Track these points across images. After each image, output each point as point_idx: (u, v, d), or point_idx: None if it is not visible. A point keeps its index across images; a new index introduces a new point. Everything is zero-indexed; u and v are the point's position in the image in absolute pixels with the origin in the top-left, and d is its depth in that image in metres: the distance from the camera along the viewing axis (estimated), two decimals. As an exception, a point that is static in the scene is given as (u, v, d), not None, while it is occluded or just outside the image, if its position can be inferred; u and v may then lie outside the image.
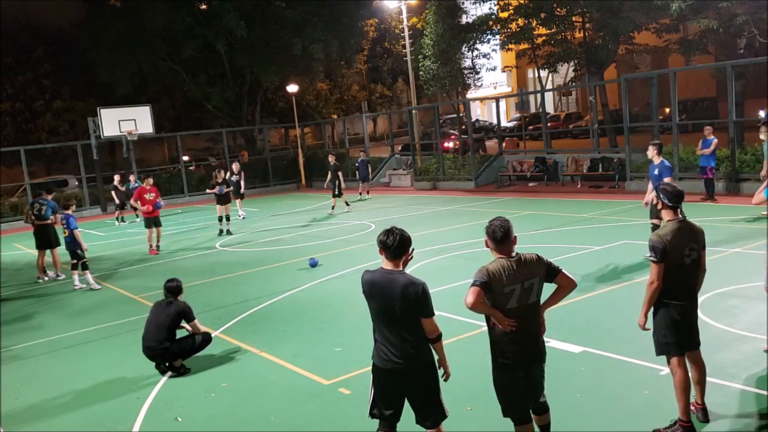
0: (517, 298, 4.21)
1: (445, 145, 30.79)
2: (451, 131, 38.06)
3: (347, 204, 20.78)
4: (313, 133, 55.02)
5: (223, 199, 17.83)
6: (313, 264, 12.60)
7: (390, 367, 4.32)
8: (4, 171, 35.69)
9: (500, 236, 4.28)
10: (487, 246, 4.37)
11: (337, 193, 20.60)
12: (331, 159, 21.49)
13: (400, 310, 4.23)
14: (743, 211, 14.21)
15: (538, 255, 4.37)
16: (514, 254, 4.29)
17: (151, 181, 16.31)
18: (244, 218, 21.34)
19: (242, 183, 21.86)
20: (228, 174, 21.53)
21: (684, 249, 4.85)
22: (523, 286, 4.22)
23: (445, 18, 31.89)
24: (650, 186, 10.33)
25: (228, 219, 18.08)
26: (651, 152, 10.40)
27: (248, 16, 32.53)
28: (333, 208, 20.71)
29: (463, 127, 29.38)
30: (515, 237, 4.33)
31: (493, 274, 4.18)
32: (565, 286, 4.37)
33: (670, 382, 5.07)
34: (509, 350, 4.29)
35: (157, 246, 16.02)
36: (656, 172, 10.24)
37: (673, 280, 4.84)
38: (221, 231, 17.92)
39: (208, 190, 19.93)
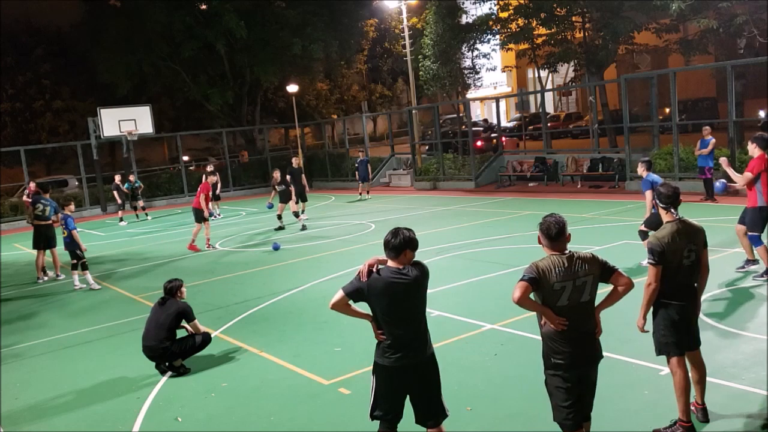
0: (569, 295, 4.10)
1: (478, 144, 30.72)
2: (481, 129, 38.26)
3: (296, 215, 18.08)
4: (313, 133, 55.02)
5: (284, 198, 17.65)
6: (276, 248, 14.45)
7: (398, 364, 4.31)
8: (4, 171, 35.68)
9: (555, 233, 4.14)
10: (540, 243, 4.27)
11: (300, 199, 19.00)
12: (295, 162, 19.45)
13: (418, 304, 4.35)
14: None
15: (593, 254, 4.26)
16: (566, 251, 4.18)
17: (215, 178, 16.04)
18: (217, 217, 21.49)
19: (218, 185, 22.04)
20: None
21: (683, 251, 4.84)
22: (575, 284, 4.10)
23: (445, 18, 31.91)
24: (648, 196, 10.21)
25: (297, 215, 17.67)
26: (640, 170, 10.30)
27: (248, 16, 32.52)
28: (303, 212, 19.21)
29: (464, 127, 29.39)
30: (569, 234, 4.23)
31: (543, 270, 4.08)
32: (622, 285, 4.26)
33: (670, 382, 5.07)
34: (562, 351, 4.16)
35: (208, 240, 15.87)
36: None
37: (672, 281, 4.84)
38: (281, 227, 17.65)
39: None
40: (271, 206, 18.80)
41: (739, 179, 8.75)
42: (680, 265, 4.84)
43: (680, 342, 4.93)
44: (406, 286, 4.26)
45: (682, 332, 4.93)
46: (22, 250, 18.51)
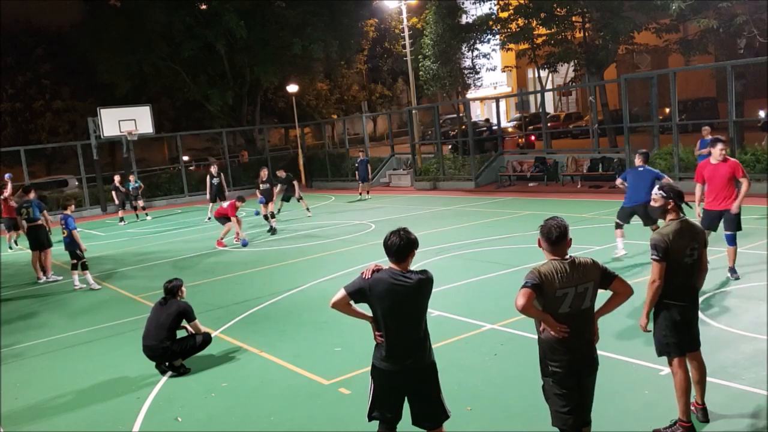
0: (570, 302, 4.01)
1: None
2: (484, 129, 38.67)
3: (273, 216, 18.25)
4: (313, 133, 55.01)
5: (266, 196, 18.11)
6: (245, 244, 15.30)
7: (395, 368, 4.31)
8: (4, 171, 35.65)
9: (555, 237, 4.04)
10: (540, 246, 4.16)
11: (296, 197, 20.22)
12: (281, 173, 20.17)
13: (419, 309, 4.31)
14: (743, 211, 14.19)
15: (593, 259, 4.19)
16: (567, 256, 4.09)
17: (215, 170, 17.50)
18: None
19: (223, 185, 22.04)
20: (208, 177, 21.80)
21: (686, 249, 4.83)
22: (576, 290, 4.01)
23: (445, 18, 31.90)
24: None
25: (273, 216, 18.09)
26: (638, 161, 10.73)
27: (248, 16, 32.53)
28: (308, 209, 20.53)
29: (464, 127, 29.39)
30: (570, 239, 4.13)
31: (545, 276, 3.97)
32: (621, 293, 4.20)
33: (670, 382, 5.07)
34: (560, 358, 4.08)
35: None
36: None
37: (674, 281, 4.83)
38: (272, 229, 17.74)
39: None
40: (258, 213, 18.95)
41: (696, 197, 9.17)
42: (682, 264, 4.83)
43: (681, 342, 4.92)
44: (407, 289, 4.23)
45: (684, 333, 4.93)
46: (22, 250, 18.49)
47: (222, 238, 15.89)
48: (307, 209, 20.31)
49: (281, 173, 20.32)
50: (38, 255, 13.72)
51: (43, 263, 13.73)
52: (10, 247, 17.64)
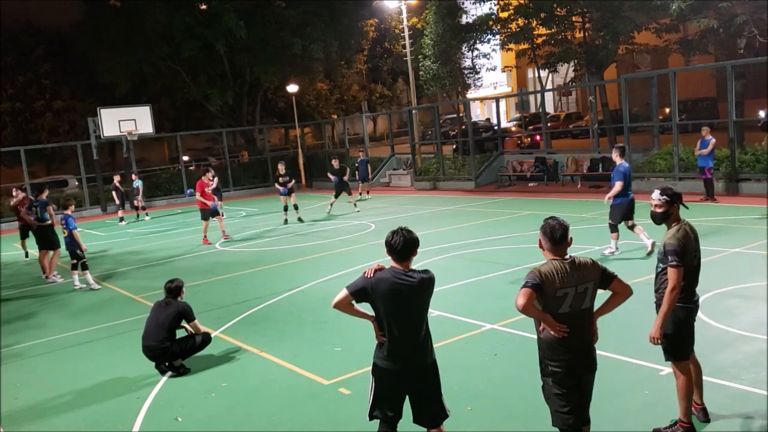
0: (570, 302, 4.01)
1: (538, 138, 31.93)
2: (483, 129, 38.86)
3: (286, 210, 19.51)
4: (313, 133, 55.02)
5: (287, 190, 19.13)
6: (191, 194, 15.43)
7: (397, 368, 4.31)
8: (4, 171, 35.68)
9: (559, 235, 4.03)
10: (541, 246, 4.14)
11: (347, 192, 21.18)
12: (336, 163, 21.22)
13: (421, 308, 4.32)
14: (743, 211, 14.23)
15: (592, 259, 4.18)
16: (567, 256, 4.08)
17: (211, 174, 16.51)
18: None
19: (219, 187, 22.21)
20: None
21: (693, 252, 4.83)
22: (576, 290, 4.00)
23: (445, 18, 31.89)
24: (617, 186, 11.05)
25: (296, 208, 19.07)
26: (614, 155, 11.18)
27: (248, 16, 32.52)
28: (331, 206, 21.28)
29: (464, 127, 29.37)
30: (571, 239, 4.12)
31: (546, 276, 3.96)
32: (621, 293, 4.20)
33: (670, 382, 5.07)
34: (560, 358, 4.08)
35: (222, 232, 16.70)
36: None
37: (684, 284, 4.78)
38: (286, 220, 19.14)
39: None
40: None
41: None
42: (691, 268, 4.81)
43: (686, 345, 4.92)
44: (410, 289, 4.23)
45: (687, 335, 4.93)
46: (23, 250, 18.46)
47: (204, 236, 16.21)
48: (355, 204, 21.07)
49: (335, 163, 21.30)
50: (45, 254, 13.69)
51: (41, 263, 13.74)
52: (27, 255, 17.51)
